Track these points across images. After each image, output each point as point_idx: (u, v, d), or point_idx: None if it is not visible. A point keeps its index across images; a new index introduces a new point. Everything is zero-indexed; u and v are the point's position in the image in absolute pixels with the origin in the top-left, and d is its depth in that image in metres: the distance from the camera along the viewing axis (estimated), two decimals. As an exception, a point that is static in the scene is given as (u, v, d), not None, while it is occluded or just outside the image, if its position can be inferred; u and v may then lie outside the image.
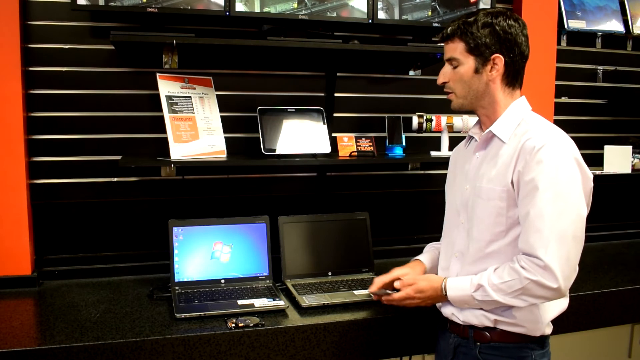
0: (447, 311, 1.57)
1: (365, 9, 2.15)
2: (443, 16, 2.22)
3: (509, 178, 1.42)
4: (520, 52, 1.47)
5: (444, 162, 2.41)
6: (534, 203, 1.35)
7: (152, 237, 2.21)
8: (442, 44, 1.55)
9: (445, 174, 1.74)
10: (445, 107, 2.51)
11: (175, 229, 1.97)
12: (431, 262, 1.72)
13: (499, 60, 1.46)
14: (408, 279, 1.58)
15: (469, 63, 1.47)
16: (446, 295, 1.50)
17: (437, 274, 1.64)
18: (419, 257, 1.75)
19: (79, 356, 1.55)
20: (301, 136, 2.21)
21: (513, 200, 1.42)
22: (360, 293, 1.96)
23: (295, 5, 2.06)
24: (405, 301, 1.57)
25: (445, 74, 1.53)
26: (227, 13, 2.00)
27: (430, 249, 1.79)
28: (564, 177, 1.35)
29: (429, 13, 2.21)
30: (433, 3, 2.22)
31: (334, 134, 2.32)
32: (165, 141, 2.02)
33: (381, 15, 2.17)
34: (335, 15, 2.11)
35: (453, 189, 1.64)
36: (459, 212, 1.57)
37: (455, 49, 1.48)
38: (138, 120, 2.19)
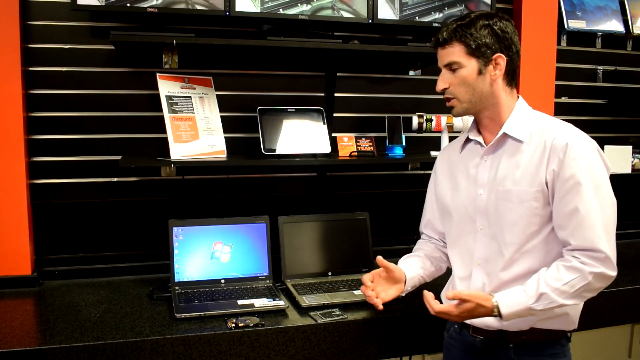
0: (475, 320, 1.49)
1: (365, 9, 2.14)
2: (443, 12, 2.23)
3: (541, 177, 1.42)
4: (517, 51, 1.48)
5: (444, 162, 2.42)
6: (581, 199, 1.37)
7: (152, 237, 2.21)
8: (437, 49, 1.51)
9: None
10: (445, 107, 2.51)
11: (175, 229, 1.97)
12: (420, 271, 1.68)
13: (501, 59, 1.45)
14: (465, 295, 1.40)
15: (471, 65, 1.45)
16: (499, 315, 1.39)
17: (407, 284, 1.64)
18: (402, 266, 1.68)
19: (79, 356, 1.55)
20: (301, 136, 2.21)
21: (546, 199, 1.43)
22: (360, 293, 1.95)
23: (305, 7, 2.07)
24: (442, 314, 1.45)
25: (445, 80, 1.50)
26: (227, 13, 2.00)
27: (412, 260, 1.71)
28: (598, 169, 1.40)
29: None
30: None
31: (334, 134, 2.32)
32: (165, 141, 2.02)
33: (383, 13, 2.16)
34: (335, 15, 2.11)
35: (457, 196, 1.58)
36: (473, 219, 1.53)
37: (454, 52, 1.46)
38: (138, 120, 2.19)
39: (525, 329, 1.47)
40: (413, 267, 1.68)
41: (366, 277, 1.62)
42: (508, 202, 1.46)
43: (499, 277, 1.48)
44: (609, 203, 1.40)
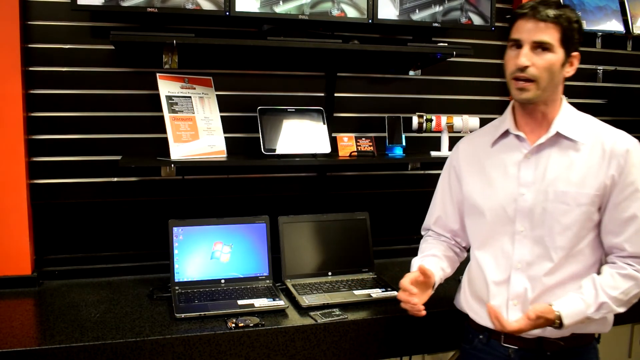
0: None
1: (365, 9, 2.14)
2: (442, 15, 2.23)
3: (600, 181, 1.38)
4: None
5: (444, 162, 2.41)
6: (639, 206, 1.37)
7: (152, 237, 2.21)
8: (527, 20, 1.36)
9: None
10: (445, 107, 2.52)
11: (175, 229, 1.97)
12: (440, 273, 1.59)
13: (577, 59, 1.41)
14: (539, 313, 1.35)
15: (559, 54, 1.37)
16: (560, 325, 1.35)
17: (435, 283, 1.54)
18: (431, 267, 1.55)
19: (79, 356, 1.55)
20: (301, 136, 2.21)
21: (600, 204, 1.40)
22: (360, 293, 1.96)
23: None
24: (513, 332, 1.39)
25: (529, 58, 1.36)
26: (227, 13, 2.00)
27: (431, 262, 1.59)
28: None
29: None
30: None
31: (334, 134, 2.32)
32: (165, 141, 2.02)
33: (383, 9, 2.15)
34: (335, 15, 2.11)
35: (492, 195, 1.49)
36: (512, 220, 1.45)
37: (550, 33, 1.35)
38: (138, 120, 2.19)
39: (566, 335, 1.42)
40: (434, 270, 1.56)
41: (408, 285, 1.47)
42: (563, 204, 1.39)
43: (542, 282, 1.42)
44: None
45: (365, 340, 1.78)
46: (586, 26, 2.65)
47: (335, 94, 2.37)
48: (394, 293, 1.95)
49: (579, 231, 1.40)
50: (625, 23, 2.72)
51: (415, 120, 2.34)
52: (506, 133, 1.50)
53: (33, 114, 2.09)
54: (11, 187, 2.01)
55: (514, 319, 1.41)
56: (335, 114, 2.39)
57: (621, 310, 1.39)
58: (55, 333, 1.63)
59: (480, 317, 1.53)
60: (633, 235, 1.38)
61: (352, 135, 2.31)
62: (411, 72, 2.44)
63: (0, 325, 1.68)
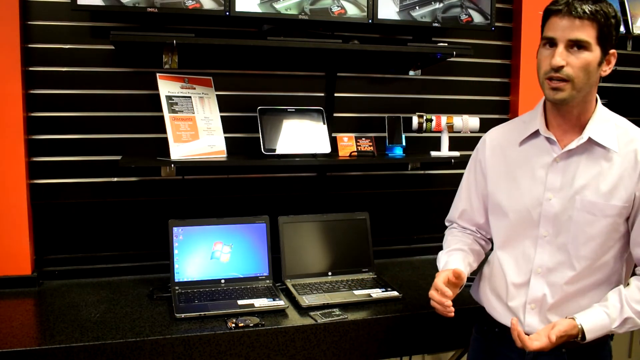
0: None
1: (364, 5, 2.14)
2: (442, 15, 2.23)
3: (630, 193, 1.33)
4: None
5: (444, 162, 2.42)
6: None
7: (152, 237, 2.21)
8: (561, 17, 1.29)
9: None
10: (445, 107, 2.52)
11: (175, 229, 1.97)
12: (468, 269, 1.55)
13: (614, 57, 1.34)
14: (561, 332, 1.32)
15: (596, 52, 1.29)
16: (582, 340, 1.32)
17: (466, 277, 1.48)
18: (454, 264, 1.51)
19: (79, 356, 1.55)
20: (301, 136, 2.21)
21: (628, 215, 1.36)
22: (360, 293, 1.96)
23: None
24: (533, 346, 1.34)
25: (563, 58, 1.28)
26: (227, 13, 2.00)
27: (459, 257, 1.54)
28: None
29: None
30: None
31: (334, 134, 2.32)
32: (165, 141, 2.02)
33: (384, 9, 2.15)
34: (335, 12, 2.11)
35: (518, 197, 1.45)
36: (535, 224, 1.41)
37: (586, 31, 1.27)
38: (138, 120, 2.19)
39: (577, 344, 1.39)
40: (463, 266, 1.52)
41: (444, 287, 1.41)
42: (589, 214, 1.35)
43: (563, 289, 1.39)
44: None
45: (365, 340, 1.78)
46: (586, 26, 2.65)
47: (335, 94, 2.37)
48: (394, 293, 1.96)
49: (604, 242, 1.36)
50: (625, 23, 2.71)
51: (415, 120, 2.34)
52: (536, 133, 1.44)
53: (33, 114, 2.09)
54: (11, 187, 2.01)
55: (530, 322, 1.40)
56: (335, 114, 2.39)
57: None
58: (55, 333, 1.63)
59: (498, 313, 1.51)
60: None
61: (352, 135, 2.31)
62: (411, 72, 2.44)
63: (0, 325, 1.68)
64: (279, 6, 2.04)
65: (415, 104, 2.47)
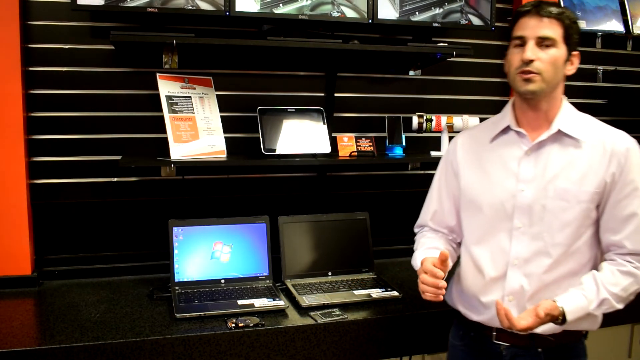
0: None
1: (365, 9, 2.14)
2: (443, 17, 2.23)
3: (600, 179, 1.40)
4: None
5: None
6: (639, 204, 1.40)
7: (152, 237, 2.21)
8: (530, 17, 1.40)
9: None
10: (445, 107, 2.52)
11: (175, 229, 1.97)
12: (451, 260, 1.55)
13: (577, 59, 1.45)
14: (547, 310, 1.35)
15: (562, 50, 1.40)
16: (562, 321, 1.36)
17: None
18: (433, 255, 1.50)
19: (79, 356, 1.55)
20: (301, 136, 2.20)
21: (599, 201, 1.42)
22: (360, 293, 1.96)
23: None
24: (524, 330, 1.37)
25: (534, 53, 1.38)
26: (227, 13, 2.00)
27: (436, 253, 1.51)
28: None
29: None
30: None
31: (334, 134, 2.32)
32: (165, 141, 2.02)
33: (384, 12, 2.15)
34: (335, 10, 2.11)
35: (491, 190, 1.49)
36: (509, 217, 1.46)
37: (554, 29, 1.39)
38: (138, 120, 2.19)
39: (558, 331, 1.43)
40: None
41: (433, 267, 1.42)
42: (563, 201, 1.41)
43: (540, 279, 1.43)
44: None
45: (365, 340, 1.78)
46: (586, 26, 2.65)
47: (335, 94, 2.37)
48: (394, 293, 1.96)
49: (577, 228, 1.42)
50: (625, 23, 2.72)
51: (415, 120, 2.34)
52: (506, 129, 1.51)
53: (33, 114, 2.09)
54: (11, 187, 2.01)
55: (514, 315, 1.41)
56: (335, 114, 2.39)
57: (620, 306, 1.41)
58: (55, 333, 1.63)
59: (473, 314, 1.53)
60: (633, 232, 1.40)
61: (352, 135, 2.31)
62: (411, 72, 2.44)
63: (0, 325, 1.68)
64: (278, 11, 2.03)
65: (415, 104, 2.47)
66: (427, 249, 1.58)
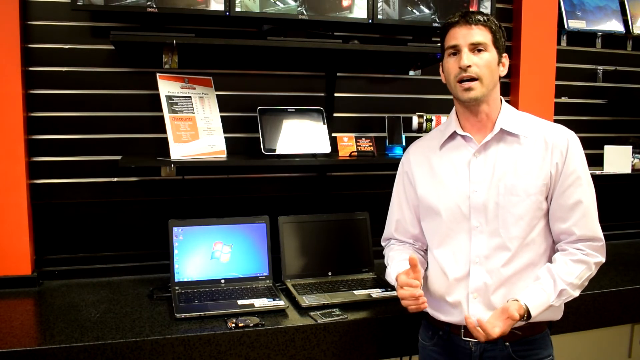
0: (471, 320, 1.42)
1: (365, 9, 2.14)
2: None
3: (546, 171, 1.47)
4: None
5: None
6: (583, 192, 1.47)
7: (152, 237, 2.21)
8: (459, 27, 1.47)
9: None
10: (445, 107, 2.52)
11: (175, 229, 1.97)
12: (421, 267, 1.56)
13: (507, 60, 1.53)
14: (515, 312, 1.38)
15: (493, 54, 1.48)
16: (528, 318, 1.41)
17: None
18: (404, 267, 1.53)
19: (79, 356, 1.55)
20: (301, 136, 2.20)
21: (547, 192, 1.49)
22: (360, 293, 1.96)
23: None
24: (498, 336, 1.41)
25: (470, 59, 1.45)
26: (227, 13, 2.00)
27: (406, 264, 1.52)
28: (586, 163, 1.51)
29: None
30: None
31: (334, 134, 2.32)
32: (165, 141, 2.02)
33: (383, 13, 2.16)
34: (335, 15, 2.11)
35: (446, 195, 1.54)
36: (466, 218, 1.51)
37: (483, 35, 1.47)
38: (138, 120, 2.19)
39: (522, 324, 1.47)
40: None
41: (408, 279, 1.46)
42: (513, 196, 1.47)
43: (500, 273, 1.48)
44: (594, 193, 1.51)
45: (365, 340, 1.78)
46: (586, 26, 2.66)
47: (335, 94, 2.37)
48: (394, 293, 1.95)
49: (530, 220, 1.48)
50: (625, 23, 2.72)
51: (415, 120, 2.34)
52: (453, 135, 1.57)
53: (33, 114, 2.09)
54: (11, 187, 2.01)
55: (475, 311, 1.48)
56: (335, 114, 2.39)
57: (576, 294, 1.47)
58: (55, 333, 1.63)
59: (440, 314, 1.58)
60: (580, 219, 1.47)
61: (352, 135, 2.31)
62: (411, 72, 2.44)
63: (0, 325, 1.68)
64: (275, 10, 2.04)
65: (415, 104, 2.47)
66: (398, 262, 1.61)
